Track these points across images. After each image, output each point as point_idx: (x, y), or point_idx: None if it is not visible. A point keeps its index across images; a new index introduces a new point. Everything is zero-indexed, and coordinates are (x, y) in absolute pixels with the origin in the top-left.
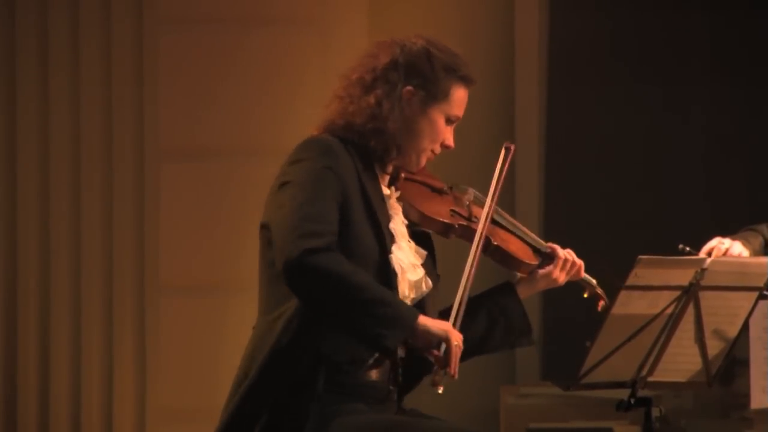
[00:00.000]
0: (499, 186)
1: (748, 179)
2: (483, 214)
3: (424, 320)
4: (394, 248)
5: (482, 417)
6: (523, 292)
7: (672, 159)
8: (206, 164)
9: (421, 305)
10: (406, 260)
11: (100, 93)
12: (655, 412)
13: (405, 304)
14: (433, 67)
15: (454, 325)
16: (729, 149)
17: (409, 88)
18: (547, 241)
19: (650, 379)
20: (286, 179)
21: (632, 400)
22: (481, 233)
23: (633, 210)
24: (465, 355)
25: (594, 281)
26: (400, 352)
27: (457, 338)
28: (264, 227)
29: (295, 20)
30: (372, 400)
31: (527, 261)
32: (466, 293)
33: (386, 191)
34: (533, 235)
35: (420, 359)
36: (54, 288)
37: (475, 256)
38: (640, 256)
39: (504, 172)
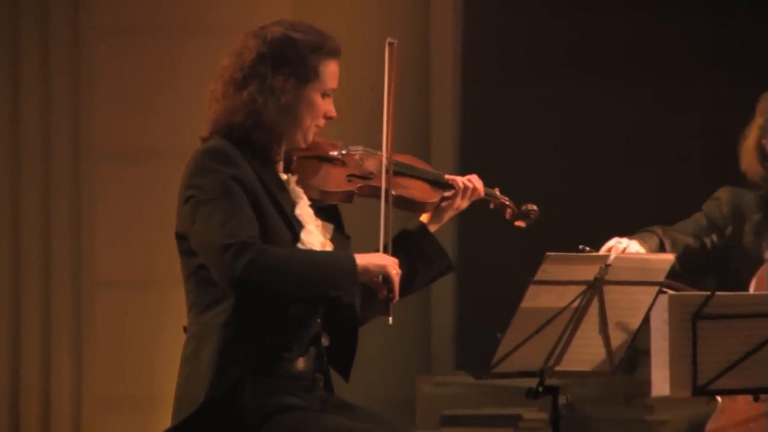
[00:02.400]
0: (392, 99)
1: (659, 179)
2: (383, 169)
3: (360, 260)
4: (303, 234)
5: (399, 405)
6: (433, 226)
7: (587, 158)
8: (141, 165)
9: None
10: (317, 242)
11: (39, 97)
12: (561, 400)
13: (342, 257)
14: (297, 51)
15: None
16: (643, 150)
17: (279, 77)
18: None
19: (557, 368)
20: (194, 193)
21: (540, 389)
22: (387, 184)
23: (547, 210)
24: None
25: (496, 191)
26: (324, 341)
27: (393, 265)
28: (182, 237)
29: (226, 29)
30: (300, 390)
31: (430, 201)
32: (390, 235)
33: (284, 177)
34: (430, 170)
35: (353, 334)
36: None
37: (387, 201)
38: (548, 253)
39: (394, 72)
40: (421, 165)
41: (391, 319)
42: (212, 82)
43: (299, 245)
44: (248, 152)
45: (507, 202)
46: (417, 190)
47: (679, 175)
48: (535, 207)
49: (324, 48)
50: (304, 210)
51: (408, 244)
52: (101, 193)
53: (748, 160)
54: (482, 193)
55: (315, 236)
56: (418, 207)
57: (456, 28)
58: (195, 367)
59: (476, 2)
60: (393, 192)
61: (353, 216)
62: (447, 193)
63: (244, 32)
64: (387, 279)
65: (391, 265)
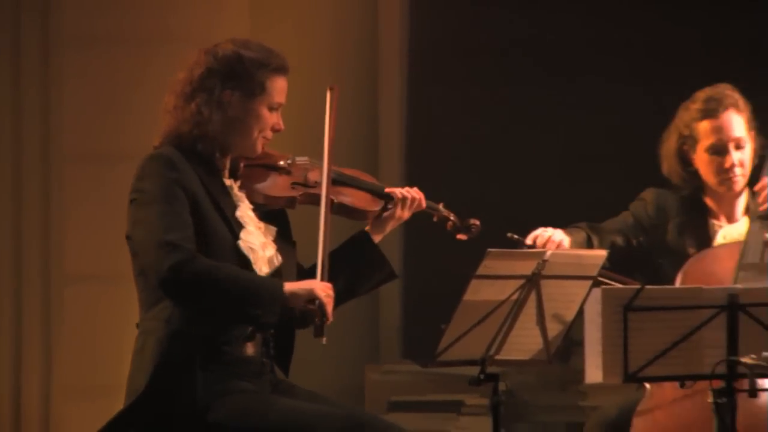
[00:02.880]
0: (332, 135)
1: (598, 179)
2: (323, 177)
3: (289, 287)
4: (243, 234)
5: (349, 392)
6: (377, 235)
7: (529, 157)
8: (107, 167)
9: (278, 275)
10: (257, 242)
11: (11, 102)
12: (501, 387)
13: (269, 280)
14: (245, 67)
15: (322, 277)
16: (588, 149)
17: (227, 91)
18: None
19: (498, 357)
20: (137, 196)
21: (482, 376)
22: (326, 193)
23: (492, 205)
24: (340, 301)
25: (439, 205)
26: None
27: (323, 289)
28: (129, 239)
29: (187, 39)
30: (249, 375)
31: (370, 209)
32: (327, 246)
33: (228, 183)
34: (373, 182)
35: (290, 332)
36: None
37: (325, 214)
38: (489, 249)
39: (334, 116)
40: (365, 178)
41: (325, 339)
42: (166, 95)
43: (240, 243)
44: (194, 160)
45: (450, 216)
46: (358, 199)
47: (617, 174)
48: (477, 222)
49: (271, 65)
50: (245, 212)
51: (352, 252)
52: (70, 193)
53: (669, 164)
54: (423, 205)
55: (255, 236)
56: (359, 215)
57: (403, 28)
58: (140, 359)
59: (424, 2)
60: (335, 200)
61: (303, 223)
62: (389, 204)
63: (199, 49)
64: (318, 304)
65: (321, 289)
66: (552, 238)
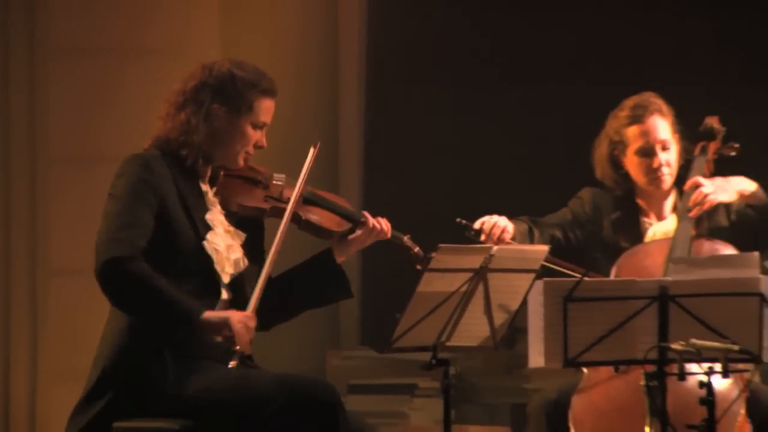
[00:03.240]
0: (303, 184)
1: (545, 177)
2: (292, 197)
3: (207, 315)
4: (209, 235)
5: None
6: (341, 255)
7: (484, 157)
8: (90, 168)
9: (240, 278)
10: (222, 243)
11: (1, 108)
12: (452, 371)
13: (192, 304)
14: (235, 86)
15: (256, 304)
16: (539, 149)
17: (215, 105)
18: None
19: (448, 344)
20: (111, 191)
21: (434, 361)
22: (290, 212)
23: (446, 201)
24: (299, 311)
25: (403, 237)
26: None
27: (241, 320)
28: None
29: (161, 51)
30: (217, 359)
31: (334, 229)
32: (266, 278)
33: (205, 188)
34: (345, 207)
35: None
36: None
37: (281, 232)
38: (440, 245)
39: (310, 164)
40: (339, 201)
41: (231, 364)
42: (162, 103)
43: (205, 243)
44: (176, 164)
45: (413, 249)
46: (325, 219)
47: (562, 173)
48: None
49: (259, 86)
50: (215, 216)
51: (314, 268)
52: (55, 193)
53: (602, 169)
54: (388, 235)
55: (221, 238)
56: (323, 234)
57: (362, 33)
58: (103, 342)
59: (382, 4)
60: (303, 216)
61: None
62: (356, 228)
63: (201, 64)
64: (227, 335)
65: (237, 321)
66: (497, 223)
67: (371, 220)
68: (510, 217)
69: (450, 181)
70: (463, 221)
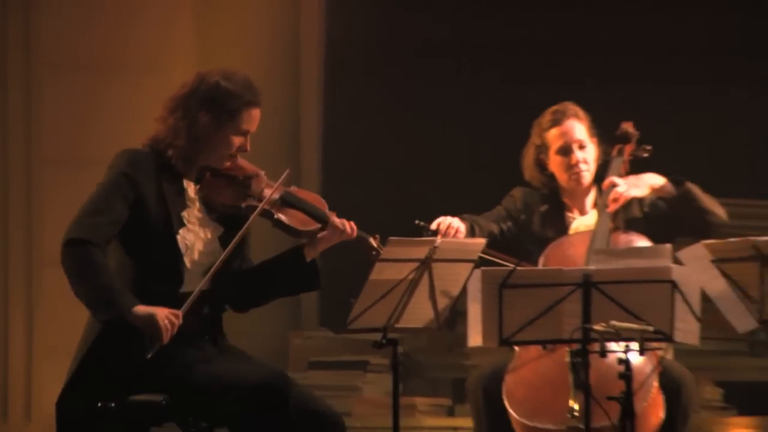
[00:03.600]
0: (279, 184)
1: (493, 174)
2: (265, 197)
3: (137, 309)
4: (182, 231)
5: (275, 354)
6: (309, 253)
7: (438, 155)
8: (80, 169)
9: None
10: (195, 238)
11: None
12: (400, 349)
13: (124, 296)
14: (221, 96)
15: (189, 303)
16: (488, 149)
17: (203, 112)
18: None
19: (397, 325)
20: (101, 179)
21: (384, 341)
22: (257, 212)
23: (400, 195)
24: (269, 298)
25: (367, 236)
26: (206, 309)
27: (167, 316)
28: None
29: (141, 64)
30: (195, 343)
31: (303, 229)
32: (224, 257)
33: (187, 185)
34: (317, 208)
35: (221, 308)
36: None
37: (245, 226)
38: (390, 237)
39: (281, 183)
40: (314, 201)
41: (149, 355)
42: (162, 105)
43: (177, 237)
44: (163, 162)
45: (376, 250)
46: (297, 219)
47: (506, 172)
48: None
49: (244, 98)
50: (191, 214)
51: (284, 261)
52: (48, 191)
53: (529, 172)
54: (354, 236)
55: (193, 234)
56: (293, 233)
57: (321, 40)
58: (88, 323)
59: (341, 7)
60: (275, 216)
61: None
62: (324, 229)
63: (197, 72)
64: (152, 329)
65: (163, 317)
66: (452, 224)
67: (337, 222)
68: (460, 212)
69: (406, 179)
70: (421, 222)
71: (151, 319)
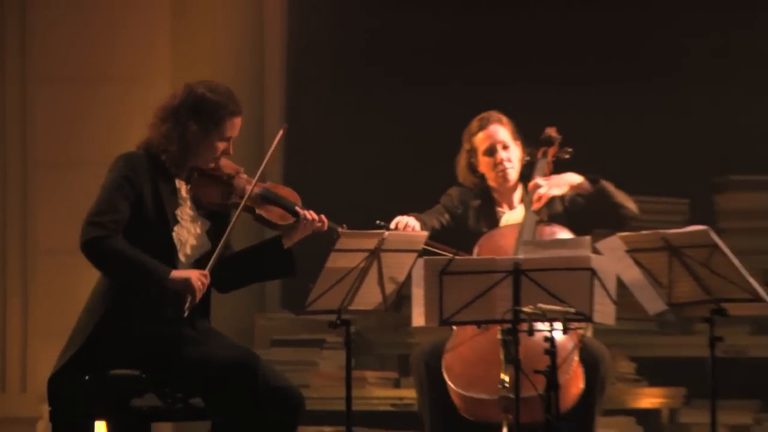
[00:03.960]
0: (269, 162)
1: (437, 173)
2: (247, 192)
3: (174, 274)
4: (176, 228)
5: (243, 333)
6: (286, 243)
7: (389, 156)
8: (71, 170)
9: (201, 259)
10: (187, 234)
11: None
12: (352, 329)
13: (159, 266)
14: (206, 108)
15: (211, 268)
16: (426, 148)
17: (191, 122)
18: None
19: (350, 307)
20: (102, 184)
21: (338, 321)
22: (241, 207)
23: (355, 190)
24: (248, 282)
25: (336, 226)
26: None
27: (199, 278)
28: None
29: (123, 76)
30: (178, 323)
31: (281, 223)
32: (222, 246)
33: (179, 185)
34: (292, 203)
35: (208, 295)
36: None
37: (233, 220)
38: (342, 231)
39: (277, 148)
40: (290, 197)
41: (186, 312)
42: (154, 110)
43: (173, 234)
44: (157, 164)
45: (340, 231)
46: (275, 214)
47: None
48: None
49: (227, 109)
50: (184, 211)
51: (263, 250)
52: (42, 189)
53: (463, 175)
54: (325, 228)
55: (186, 230)
56: (272, 226)
57: (283, 54)
58: (88, 302)
59: (303, 9)
60: (257, 211)
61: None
62: (299, 221)
63: (185, 83)
64: (189, 288)
65: (197, 278)
66: (408, 223)
67: (308, 216)
68: (409, 210)
69: (360, 177)
70: (382, 222)
71: (187, 281)
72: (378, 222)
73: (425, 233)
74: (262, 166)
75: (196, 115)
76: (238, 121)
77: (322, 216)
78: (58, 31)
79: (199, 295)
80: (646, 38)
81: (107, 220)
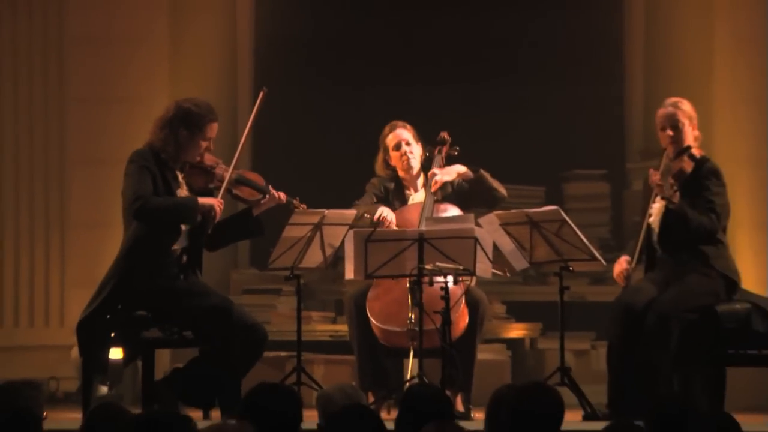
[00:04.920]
0: (250, 129)
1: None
2: (225, 177)
3: (201, 200)
4: None
5: (221, 284)
6: (255, 212)
7: (342, 147)
8: (97, 164)
9: (198, 229)
10: None
11: (39, 120)
12: (302, 281)
13: (191, 198)
14: (192, 118)
15: (221, 196)
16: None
17: (181, 129)
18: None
19: (300, 265)
20: (126, 171)
21: (291, 275)
22: (224, 189)
23: (316, 178)
24: (228, 243)
25: (292, 199)
26: (185, 256)
27: (218, 204)
28: (122, 193)
29: (130, 98)
30: (177, 273)
31: (250, 199)
32: (228, 184)
33: (177, 174)
34: (259, 183)
35: (200, 251)
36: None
37: (222, 190)
38: (295, 209)
39: (257, 110)
40: (256, 179)
41: (209, 231)
42: (155, 119)
43: None
44: (159, 159)
45: (298, 207)
46: (246, 193)
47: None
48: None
49: (208, 117)
50: (183, 191)
51: (239, 219)
52: (76, 179)
53: (380, 169)
54: (284, 201)
55: None
56: (244, 201)
57: (252, 59)
58: (119, 258)
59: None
60: (233, 191)
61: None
62: (265, 198)
63: (174, 101)
64: (213, 209)
65: (217, 203)
66: (387, 216)
67: (274, 193)
68: (355, 197)
69: (317, 166)
70: (367, 215)
71: (212, 205)
72: (366, 215)
73: (353, 212)
74: (237, 153)
75: (185, 123)
76: (215, 126)
77: (282, 193)
78: (87, 59)
79: (219, 214)
80: (516, 41)
81: (142, 193)
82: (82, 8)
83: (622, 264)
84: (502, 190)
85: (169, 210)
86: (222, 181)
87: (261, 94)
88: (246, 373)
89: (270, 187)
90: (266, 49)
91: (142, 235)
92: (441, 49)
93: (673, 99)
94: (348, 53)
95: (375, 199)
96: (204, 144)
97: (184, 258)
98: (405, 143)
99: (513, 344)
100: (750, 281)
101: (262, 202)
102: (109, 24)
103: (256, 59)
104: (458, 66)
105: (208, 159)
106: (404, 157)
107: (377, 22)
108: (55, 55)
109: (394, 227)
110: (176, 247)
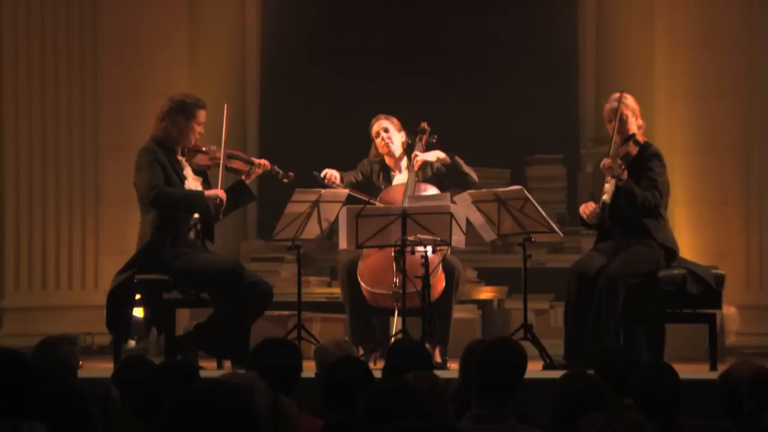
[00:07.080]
0: (226, 133)
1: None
2: (221, 158)
3: (207, 193)
4: (186, 182)
5: (233, 253)
6: (247, 180)
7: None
8: (122, 151)
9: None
10: (193, 186)
11: (77, 113)
12: (302, 250)
13: (199, 192)
14: (186, 106)
15: (222, 187)
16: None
17: (178, 117)
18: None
19: (300, 237)
20: (137, 164)
21: (292, 246)
22: (222, 165)
23: (312, 160)
24: (233, 209)
25: (280, 170)
26: (198, 225)
27: (222, 194)
28: (134, 185)
29: (153, 92)
30: (191, 244)
31: (242, 170)
32: (224, 179)
33: (180, 159)
34: (246, 156)
35: (211, 225)
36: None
37: (221, 166)
38: (297, 189)
39: (226, 122)
40: (242, 154)
41: (221, 217)
42: (152, 117)
43: (185, 185)
44: (164, 148)
45: (279, 174)
46: (238, 164)
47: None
48: (291, 174)
49: (198, 104)
50: (188, 172)
51: (234, 189)
52: (107, 164)
53: (372, 155)
54: (268, 168)
55: (191, 185)
56: (237, 173)
57: (258, 59)
58: (141, 235)
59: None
60: (228, 165)
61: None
62: (253, 168)
63: (168, 96)
64: (219, 200)
65: (222, 195)
66: (333, 174)
67: (257, 161)
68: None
69: (314, 149)
70: (315, 173)
71: (216, 195)
72: (314, 173)
73: (346, 191)
74: (224, 138)
75: (181, 111)
76: (204, 112)
77: (264, 160)
78: (120, 61)
79: (225, 201)
80: (488, 43)
81: (155, 183)
82: (113, 17)
83: (590, 206)
84: (474, 175)
85: (181, 202)
86: (215, 158)
87: (225, 107)
88: (256, 319)
89: (253, 158)
90: (271, 51)
91: (163, 215)
92: (433, 49)
93: (617, 94)
94: (347, 52)
95: (360, 175)
96: (197, 129)
97: (198, 228)
98: (383, 131)
99: (483, 305)
100: (686, 250)
101: (251, 171)
102: (136, 29)
103: (262, 60)
104: (437, 64)
105: (203, 143)
106: (383, 143)
107: (377, 22)
108: (90, 56)
109: (338, 183)
110: (192, 221)
